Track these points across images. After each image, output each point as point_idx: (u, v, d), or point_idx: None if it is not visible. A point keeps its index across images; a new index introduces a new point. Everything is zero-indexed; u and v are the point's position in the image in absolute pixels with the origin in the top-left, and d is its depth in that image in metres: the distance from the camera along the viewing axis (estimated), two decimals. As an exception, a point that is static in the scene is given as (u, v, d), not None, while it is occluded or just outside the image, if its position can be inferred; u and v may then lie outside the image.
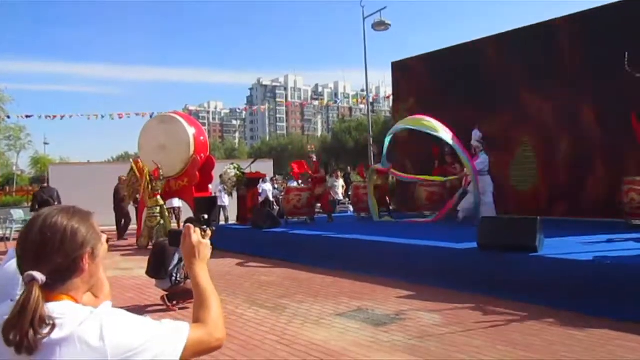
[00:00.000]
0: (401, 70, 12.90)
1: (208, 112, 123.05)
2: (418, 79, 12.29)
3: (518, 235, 5.58)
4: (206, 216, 1.53)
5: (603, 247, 5.88)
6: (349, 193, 14.30)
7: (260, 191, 12.90)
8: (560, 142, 9.46)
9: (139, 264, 7.58)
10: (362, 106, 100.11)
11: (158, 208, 11.03)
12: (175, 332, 1.14)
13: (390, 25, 16.67)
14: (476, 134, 8.80)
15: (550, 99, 9.53)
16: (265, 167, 18.09)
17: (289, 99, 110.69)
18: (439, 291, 5.75)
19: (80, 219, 1.16)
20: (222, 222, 13.53)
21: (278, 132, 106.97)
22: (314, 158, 11.30)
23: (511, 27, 10.63)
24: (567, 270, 5.06)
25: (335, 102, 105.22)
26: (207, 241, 1.39)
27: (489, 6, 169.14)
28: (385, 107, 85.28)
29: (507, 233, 5.66)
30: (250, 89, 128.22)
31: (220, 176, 11.26)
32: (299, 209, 10.64)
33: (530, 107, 9.88)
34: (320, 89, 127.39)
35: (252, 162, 12.20)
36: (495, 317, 4.76)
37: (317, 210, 12.05)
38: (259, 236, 9.55)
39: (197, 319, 1.24)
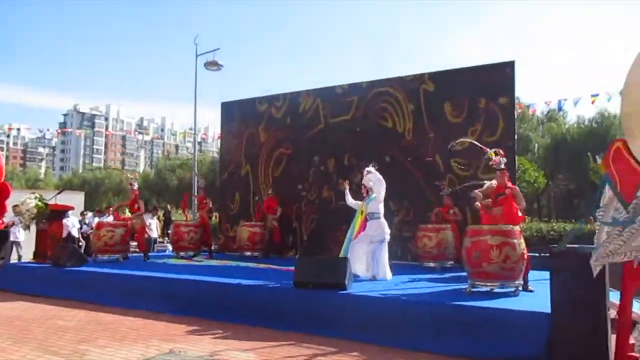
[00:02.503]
0: (230, 111, 13.07)
1: (8, 136, 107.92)
2: (246, 121, 12.58)
3: (330, 274, 5.94)
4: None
5: (403, 286, 6.53)
6: (168, 232, 13.70)
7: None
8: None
9: None
10: (189, 144, 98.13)
11: None
12: None
13: (222, 66, 16.88)
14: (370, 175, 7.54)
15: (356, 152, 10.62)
16: (75, 200, 16.41)
17: (110, 130, 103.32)
18: (255, 330, 5.77)
19: None
20: (14, 261, 11.77)
21: (94, 164, 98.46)
22: (135, 186, 10.69)
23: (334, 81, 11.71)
24: (370, 307, 5.51)
25: (161, 137, 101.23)
26: None
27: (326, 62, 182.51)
28: (214, 147, 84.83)
29: (320, 271, 5.98)
30: (65, 115, 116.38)
31: (15, 207, 9.84)
32: (111, 246, 9.84)
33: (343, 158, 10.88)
34: (146, 123, 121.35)
35: (59, 193, 11.02)
36: (307, 352, 4.91)
37: (132, 249, 11.30)
38: (60, 276, 8.51)
39: None
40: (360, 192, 7.76)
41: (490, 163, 6.59)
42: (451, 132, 9.13)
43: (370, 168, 7.56)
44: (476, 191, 7.01)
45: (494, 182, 6.74)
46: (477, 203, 7.03)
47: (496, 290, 5.81)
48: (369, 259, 7.13)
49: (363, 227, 7.30)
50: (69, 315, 6.77)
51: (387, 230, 7.33)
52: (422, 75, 10.29)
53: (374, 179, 7.42)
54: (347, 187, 7.89)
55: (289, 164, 11.73)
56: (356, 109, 10.94)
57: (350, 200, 7.81)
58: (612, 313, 4.81)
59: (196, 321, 6.16)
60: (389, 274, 7.10)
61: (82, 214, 15.21)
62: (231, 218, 12.51)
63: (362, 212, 7.36)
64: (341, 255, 7.06)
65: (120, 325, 6.14)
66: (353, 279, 6.29)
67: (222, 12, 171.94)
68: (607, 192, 2.93)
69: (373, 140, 10.47)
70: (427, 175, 9.79)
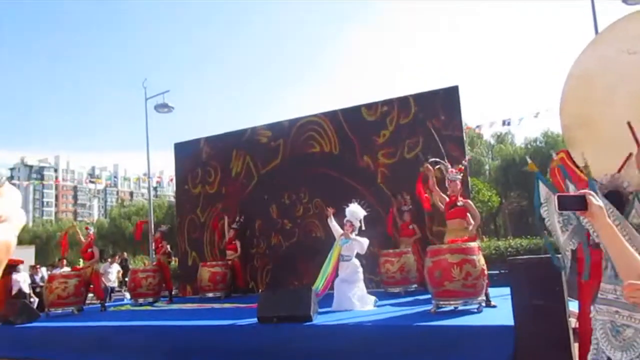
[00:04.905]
0: (184, 151, 12.92)
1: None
2: (201, 161, 12.47)
3: (294, 306, 5.82)
4: None
5: (368, 313, 6.46)
6: (126, 279, 13.19)
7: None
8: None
9: None
10: (144, 190, 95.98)
11: None
12: None
13: (173, 108, 16.78)
14: (356, 210, 7.32)
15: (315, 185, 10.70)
16: (26, 254, 15.74)
17: (61, 181, 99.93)
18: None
19: None
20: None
21: (44, 217, 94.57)
22: (91, 231, 10.32)
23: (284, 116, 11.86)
24: (337, 336, 5.42)
25: (115, 184, 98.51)
26: None
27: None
28: (169, 191, 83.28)
29: (284, 304, 5.86)
30: (12, 169, 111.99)
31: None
32: (65, 298, 9.35)
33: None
34: (97, 172, 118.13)
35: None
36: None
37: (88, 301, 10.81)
38: (10, 333, 8.01)
39: None
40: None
41: (447, 175, 6.73)
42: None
43: (357, 209, 7.30)
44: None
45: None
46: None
47: (460, 308, 5.84)
48: (349, 295, 6.91)
49: (336, 267, 7.21)
50: (20, 376, 6.35)
51: (359, 270, 7.14)
52: (359, 107, 10.61)
53: (357, 225, 7.20)
54: (332, 212, 7.56)
55: (257, 186, 11.58)
56: (284, 151, 11.21)
57: (334, 224, 7.51)
58: (573, 322, 4.93)
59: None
60: (369, 305, 6.88)
61: (33, 267, 14.54)
62: (194, 230, 12.21)
63: (337, 249, 7.22)
64: (315, 288, 6.88)
65: (76, 381, 5.80)
66: (318, 309, 6.19)
67: (169, 55, 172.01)
68: (542, 188, 3.03)
69: (306, 171, 10.76)
70: (365, 182, 10.02)
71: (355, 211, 7.27)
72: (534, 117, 15.84)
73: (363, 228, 7.28)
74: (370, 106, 10.41)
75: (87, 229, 10.40)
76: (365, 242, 7.10)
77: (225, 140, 12.27)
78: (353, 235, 7.13)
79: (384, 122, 10.14)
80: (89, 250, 10.05)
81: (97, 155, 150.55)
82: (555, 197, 1.77)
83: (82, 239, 10.32)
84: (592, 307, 4.61)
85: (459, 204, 6.59)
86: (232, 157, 11.99)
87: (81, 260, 10.81)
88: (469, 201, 6.84)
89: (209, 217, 12.07)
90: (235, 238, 10.97)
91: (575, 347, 4.50)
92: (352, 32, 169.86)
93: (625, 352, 2.35)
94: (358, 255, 7.23)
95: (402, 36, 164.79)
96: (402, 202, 9.26)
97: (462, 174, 6.83)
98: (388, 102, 10.27)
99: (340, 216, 7.50)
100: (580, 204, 1.70)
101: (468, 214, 6.59)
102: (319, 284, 7.23)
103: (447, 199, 6.77)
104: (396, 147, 9.89)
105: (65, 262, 14.99)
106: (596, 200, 1.68)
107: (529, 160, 3.84)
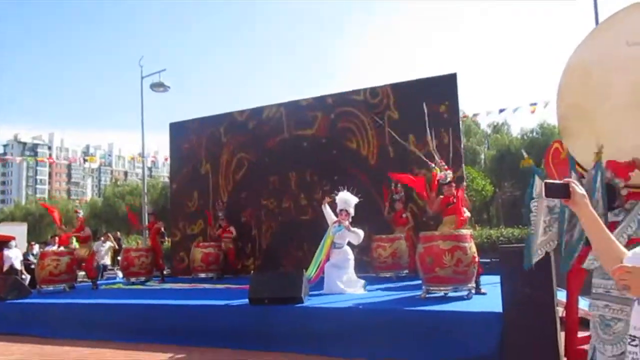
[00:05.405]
0: (179, 131, 12.83)
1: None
2: (195, 142, 12.39)
3: (285, 288, 5.86)
4: None
5: (359, 296, 6.48)
6: (118, 258, 13.17)
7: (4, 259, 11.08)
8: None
9: None
10: (138, 170, 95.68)
11: None
12: None
13: (169, 87, 16.63)
14: (350, 199, 7.27)
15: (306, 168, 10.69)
16: (17, 231, 15.72)
17: (55, 159, 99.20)
18: (212, 351, 5.62)
19: None
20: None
21: (38, 195, 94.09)
22: (81, 214, 10.29)
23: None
24: (328, 318, 5.46)
25: (109, 163, 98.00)
26: None
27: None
28: (164, 172, 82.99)
29: (275, 286, 5.89)
30: (5, 146, 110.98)
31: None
32: (57, 275, 9.36)
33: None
34: (92, 150, 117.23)
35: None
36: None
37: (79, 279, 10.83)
38: (1, 309, 8.02)
39: None
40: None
41: (437, 179, 6.78)
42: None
43: (349, 197, 7.26)
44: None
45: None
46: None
47: (450, 294, 5.89)
48: (339, 280, 6.96)
49: (328, 255, 7.20)
50: (9, 351, 6.37)
51: (350, 257, 7.20)
52: (351, 92, 10.54)
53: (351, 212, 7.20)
54: (328, 201, 7.52)
55: (249, 169, 11.55)
56: (275, 135, 11.16)
57: (328, 210, 7.48)
58: (560, 311, 4.98)
59: (146, 346, 5.94)
60: (359, 289, 6.94)
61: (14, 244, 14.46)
62: (187, 216, 12.15)
63: (330, 237, 7.22)
64: (307, 275, 6.83)
65: (67, 357, 5.82)
66: (309, 292, 6.23)
67: (166, 34, 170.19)
68: (537, 182, 3.03)
69: (297, 155, 10.76)
70: (358, 165, 10.07)
71: (348, 199, 7.24)
72: (530, 113, 15.77)
73: (353, 215, 7.27)
74: (363, 91, 10.37)
75: (76, 211, 10.35)
76: (361, 233, 7.14)
77: (216, 124, 12.15)
78: (348, 225, 7.12)
79: (376, 105, 10.11)
80: (82, 232, 10.06)
81: (92, 134, 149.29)
82: (543, 184, 1.79)
83: (62, 226, 10.27)
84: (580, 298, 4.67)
85: (454, 200, 6.68)
86: (223, 143, 11.88)
87: (74, 240, 10.80)
88: (463, 195, 6.91)
89: (201, 206, 11.95)
90: (229, 225, 10.99)
91: (561, 336, 4.55)
92: (350, 24, 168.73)
93: (614, 346, 2.34)
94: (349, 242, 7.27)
95: (401, 27, 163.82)
96: (393, 190, 9.24)
97: (451, 173, 6.87)
98: (382, 88, 10.23)
99: (332, 205, 7.50)
100: (564, 192, 1.73)
101: (463, 208, 6.70)
102: (312, 271, 7.25)
103: (442, 197, 6.85)
104: (386, 132, 9.86)
105: (57, 239, 14.97)
106: (579, 189, 1.71)
107: (525, 155, 3.84)
